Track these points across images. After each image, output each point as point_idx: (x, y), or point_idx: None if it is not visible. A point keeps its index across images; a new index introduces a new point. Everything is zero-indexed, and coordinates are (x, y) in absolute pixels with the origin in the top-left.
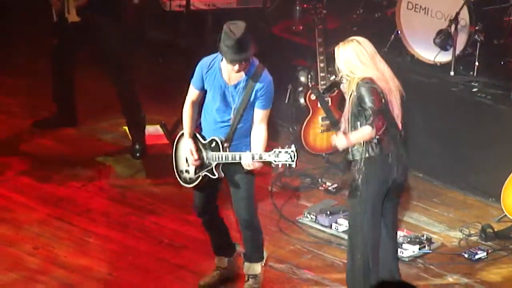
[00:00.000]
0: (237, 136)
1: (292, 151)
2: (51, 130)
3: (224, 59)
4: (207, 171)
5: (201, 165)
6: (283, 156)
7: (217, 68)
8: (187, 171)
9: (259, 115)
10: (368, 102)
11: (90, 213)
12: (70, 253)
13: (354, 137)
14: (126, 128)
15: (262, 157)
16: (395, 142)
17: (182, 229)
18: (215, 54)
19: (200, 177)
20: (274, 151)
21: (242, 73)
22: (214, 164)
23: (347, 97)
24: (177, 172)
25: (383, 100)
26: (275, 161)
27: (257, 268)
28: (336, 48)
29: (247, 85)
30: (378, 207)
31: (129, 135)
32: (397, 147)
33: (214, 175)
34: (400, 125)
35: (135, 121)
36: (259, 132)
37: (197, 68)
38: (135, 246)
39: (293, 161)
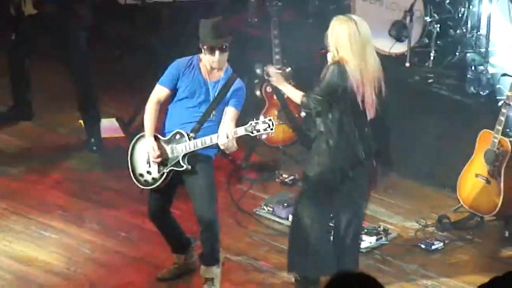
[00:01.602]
0: (203, 133)
1: (269, 119)
2: (7, 124)
3: (202, 58)
4: (173, 165)
5: (165, 162)
6: (261, 126)
7: (196, 66)
8: (148, 172)
9: (231, 114)
10: (319, 87)
11: (46, 207)
12: (27, 247)
13: (289, 90)
14: (82, 121)
15: (238, 132)
16: (355, 130)
17: (140, 222)
18: (190, 56)
19: (165, 174)
20: (250, 124)
21: (221, 72)
22: (181, 155)
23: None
24: (135, 177)
25: (339, 90)
26: (252, 133)
27: (214, 271)
28: (333, 20)
29: (226, 83)
30: (319, 187)
31: (85, 129)
32: (358, 135)
33: (182, 167)
34: (371, 114)
35: (92, 115)
36: (228, 126)
37: (171, 68)
38: (92, 239)
39: (272, 128)
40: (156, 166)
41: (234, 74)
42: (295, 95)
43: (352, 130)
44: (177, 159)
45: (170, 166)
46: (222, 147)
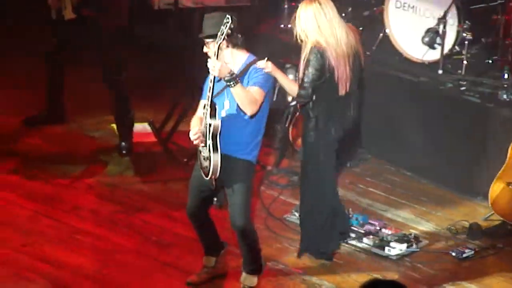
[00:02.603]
0: (224, 124)
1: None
2: (40, 128)
3: None
4: (208, 132)
5: (204, 137)
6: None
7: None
8: (204, 158)
9: (249, 88)
10: (309, 73)
11: (78, 210)
12: (59, 251)
13: (284, 80)
14: (114, 125)
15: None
16: (333, 105)
17: (170, 227)
18: None
19: (210, 144)
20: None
21: (239, 65)
22: (207, 115)
23: (302, 59)
24: (204, 173)
25: (326, 74)
26: (221, 37)
27: (254, 280)
28: (299, 7)
29: (241, 71)
30: (322, 160)
31: (117, 133)
32: (337, 109)
33: (210, 125)
34: (346, 88)
35: (124, 119)
36: None
37: (205, 82)
38: (123, 243)
39: (228, 21)
40: (204, 148)
41: (254, 59)
42: (290, 85)
43: (335, 108)
44: (207, 122)
45: (208, 134)
46: (215, 74)
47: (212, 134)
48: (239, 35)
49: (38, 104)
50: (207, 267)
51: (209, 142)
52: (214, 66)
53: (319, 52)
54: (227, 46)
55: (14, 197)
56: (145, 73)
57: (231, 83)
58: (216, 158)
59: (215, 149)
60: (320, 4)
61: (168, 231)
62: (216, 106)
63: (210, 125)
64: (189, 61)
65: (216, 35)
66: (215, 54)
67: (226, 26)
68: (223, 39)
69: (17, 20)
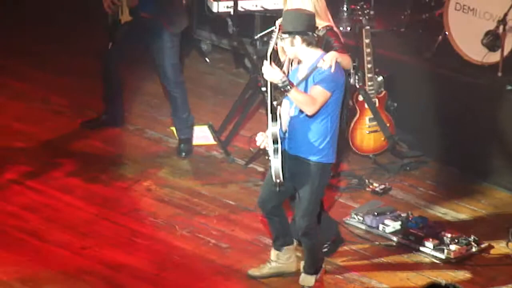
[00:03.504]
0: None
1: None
2: (99, 130)
3: None
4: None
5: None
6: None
7: (294, 70)
8: (270, 162)
9: (311, 89)
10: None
11: (137, 213)
12: (117, 253)
13: (346, 59)
14: (174, 128)
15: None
16: None
17: (229, 230)
18: None
19: (271, 148)
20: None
21: (309, 65)
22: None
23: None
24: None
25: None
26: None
27: (311, 280)
28: None
29: (311, 70)
30: None
31: (176, 135)
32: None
33: (271, 129)
34: None
35: (183, 121)
36: None
37: None
38: (182, 246)
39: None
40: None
41: (322, 58)
42: (349, 62)
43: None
44: (268, 128)
45: (270, 139)
46: (266, 78)
47: (272, 139)
48: (314, 34)
49: (99, 105)
50: (270, 261)
51: (271, 147)
52: (265, 71)
53: (333, 30)
54: (302, 44)
55: (73, 199)
56: (204, 76)
57: (285, 88)
58: (276, 163)
59: (275, 154)
60: None
61: (227, 234)
62: (277, 111)
63: (270, 130)
64: (249, 64)
65: (291, 32)
66: (269, 59)
67: (275, 32)
68: (276, 43)
69: (81, 21)
